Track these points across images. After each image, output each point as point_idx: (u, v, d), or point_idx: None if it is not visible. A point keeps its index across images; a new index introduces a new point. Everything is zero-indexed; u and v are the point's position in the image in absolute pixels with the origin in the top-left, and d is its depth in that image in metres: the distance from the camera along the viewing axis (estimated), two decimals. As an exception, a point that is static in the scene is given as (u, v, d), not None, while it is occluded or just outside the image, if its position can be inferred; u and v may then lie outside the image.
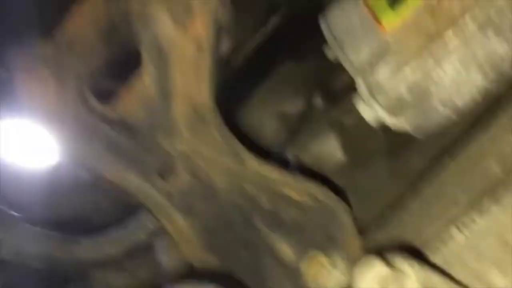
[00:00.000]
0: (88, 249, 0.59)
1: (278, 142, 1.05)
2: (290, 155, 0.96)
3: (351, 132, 0.89)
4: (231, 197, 0.61)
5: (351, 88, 0.96)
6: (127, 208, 0.80)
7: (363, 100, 0.56)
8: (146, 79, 0.57)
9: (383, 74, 0.54)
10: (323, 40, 0.97)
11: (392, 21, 0.53)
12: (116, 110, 0.59)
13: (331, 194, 0.59)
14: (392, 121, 0.57)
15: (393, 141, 0.80)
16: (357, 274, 0.46)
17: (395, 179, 0.74)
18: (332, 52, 0.60)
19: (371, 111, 0.56)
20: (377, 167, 0.78)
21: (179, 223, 0.61)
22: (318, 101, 1.01)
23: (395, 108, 0.55)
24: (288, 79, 1.04)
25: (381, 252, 0.47)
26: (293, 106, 1.05)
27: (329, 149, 0.91)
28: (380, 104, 0.55)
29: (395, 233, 0.61)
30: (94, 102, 0.60)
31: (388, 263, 0.46)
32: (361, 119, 0.90)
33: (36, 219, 0.64)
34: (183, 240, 0.62)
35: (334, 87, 0.99)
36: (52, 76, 0.58)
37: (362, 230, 0.60)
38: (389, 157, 0.78)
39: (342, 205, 0.58)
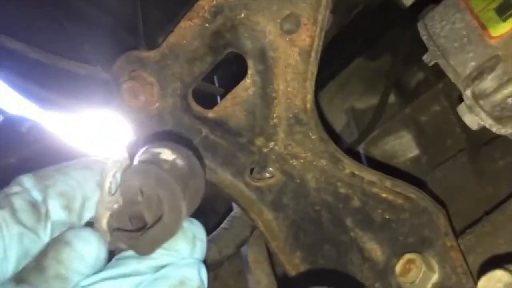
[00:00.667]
0: (212, 250, 0.61)
1: (348, 137, 1.06)
2: (360, 150, 0.97)
3: (427, 129, 0.89)
4: (323, 196, 0.63)
5: (426, 85, 0.96)
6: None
7: (468, 107, 0.57)
8: (249, 85, 0.59)
9: (490, 83, 0.55)
10: (399, 37, 0.97)
11: (500, 30, 0.53)
12: (217, 114, 0.62)
13: (425, 196, 0.60)
14: (498, 129, 0.57)
15: (474, 139, 0.80)
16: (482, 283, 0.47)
17: (480, 178, 0.74)
18: (431, 58, 0.61)
19: (475, 118, 0.57)
20: (459, 165, 0.78)
21: (268, 218, 0.64)
22: (392, 98, 1.01)
23: (501, 116, 0.56)
24: (361, 74, 1.04)
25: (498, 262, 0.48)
26: (365, 101, 1.06)
27: (402, 145, 0.92)
28: (485, 112, 0.56)
29: (487, 236, 0.61)
30: (196, 106, 0.63)
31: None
32: (437, 116, 0.90)
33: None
34: (271, 236, 0.65)
35: (409, 84, 0.99)
36: (156, 81, 0.61)
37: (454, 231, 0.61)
38: (471, 155, 0.78)
39: (437, 206, 0.59)
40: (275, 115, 0.61)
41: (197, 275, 0.48)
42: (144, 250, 0.47)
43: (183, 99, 0.63)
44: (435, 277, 0.58)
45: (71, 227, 0.49)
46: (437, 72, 0.91)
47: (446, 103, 0.87)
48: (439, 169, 0.81)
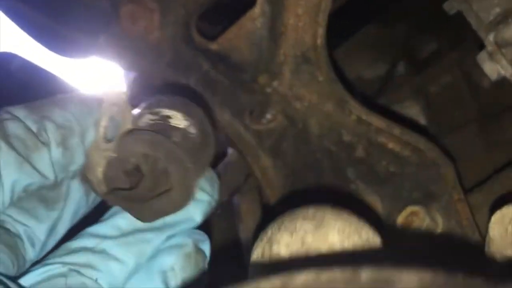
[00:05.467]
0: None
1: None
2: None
3: (436, 100, 0.87)
4: (325, 144, 0.60)
5: (438, 56, 0.94)
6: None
7: (488, 54, 0.55)
8: (258, 15, 0.57)
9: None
10: (412, 5, 0.94)
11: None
12: (220, 46, 0.59)
13: (435, 147, 0.57)
14: None
15: (484, 110, 0.78)
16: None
17: (489, 148, 0.73)
18: (452, 5, 0.59)
19: (495, 67, 0.55)
20: (468, 135, 0.77)
21: (265, 165, 0.61)
22: (401, 68, 0.99)
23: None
24: (370, 42, 1.02)
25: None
26: (373, 71, 1.04)
27: (410, 115, 0.90)
28: (507, 60, 0.53)
29: (495, 195, 0.59)
30: (198, 38, 0.60)
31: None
32: (448, 87, 0.88)
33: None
34: (267, 184, 0.62)
35: (420, 54, 0.97)
36: (158, 7, 0.59)
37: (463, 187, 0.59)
38: (481, 126, 0.76)
39: (447, 160, 0.57)
40: (282, 51, 0.58)
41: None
42: (146, 218, 0.44)
43: (185, 28, 0.60)
44: (438, 230, 0.56)
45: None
46: (450, 42, 0.89)
47: (459, 74, 0.85)
48: (447, 139, 0.79)
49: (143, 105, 0.47)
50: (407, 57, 0.95)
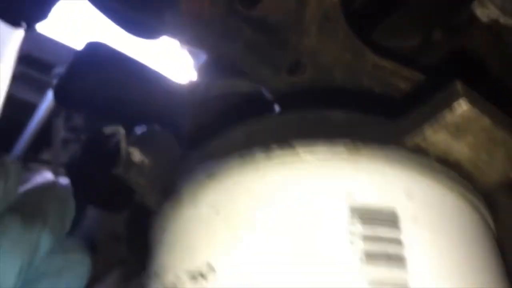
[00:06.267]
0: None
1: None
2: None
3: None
4: (347, 92, 0.71)
5: (472, 22, 1.01)
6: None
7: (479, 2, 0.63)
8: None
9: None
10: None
11: None
12: (259, 11, 0.73)
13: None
14: (506, 21, 0.64)
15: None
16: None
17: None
18: None
19: (485, 10, 0.63)
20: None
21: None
22: (438, 35, 1.07)
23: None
24: (405, 12, 1.10)
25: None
26: (409, 40, 1.12)
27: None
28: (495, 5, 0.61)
29: None
30: (238, 6, 0.74)
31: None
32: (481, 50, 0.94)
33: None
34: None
35: (455, 22, 1.04)
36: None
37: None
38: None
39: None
40: (308, 12, 0.70)
41: None
42: None
43: (230, 1, 0.74)
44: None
45: None
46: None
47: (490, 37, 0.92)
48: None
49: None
50: (442, 25, 1.02)
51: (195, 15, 0.76)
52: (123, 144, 0.60)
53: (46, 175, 1.70)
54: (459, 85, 0.36)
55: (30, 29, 0.92)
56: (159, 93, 0.81)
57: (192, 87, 0.81)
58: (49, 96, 1.94)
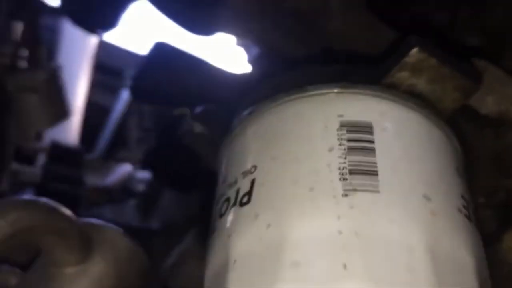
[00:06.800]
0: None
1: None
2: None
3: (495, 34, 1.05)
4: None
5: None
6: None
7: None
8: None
9: None
10: None
11: None
12: (290, 3, 0.91)
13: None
14: None
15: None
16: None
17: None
18: None
19: None
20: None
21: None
22: (465, 12, 1.19)
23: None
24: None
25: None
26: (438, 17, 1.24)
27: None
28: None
29: None
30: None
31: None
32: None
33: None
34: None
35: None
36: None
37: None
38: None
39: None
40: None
41: None
42: None
43: None
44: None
45: None
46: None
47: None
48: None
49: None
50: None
51: (241, 10, 0.95)
52: (188, 119, 0.80)
53: (125, 168, 1.95)
54: (413, 39, 0.54)
55: (102, 35, 1.11)
56: (217, 83, 0.95)
57: (246, 77, 0.95)
58: (122, 99, 2.18)
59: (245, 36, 1.03)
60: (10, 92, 1.05)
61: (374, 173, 0.48)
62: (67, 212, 0.63)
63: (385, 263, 0.41)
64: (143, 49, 0.99)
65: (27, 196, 0.68)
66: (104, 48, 2.15)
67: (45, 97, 1.01)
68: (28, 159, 1.52)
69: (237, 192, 0.51)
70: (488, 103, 0.62)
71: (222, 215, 0.53)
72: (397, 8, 0.88)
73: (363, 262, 0.41)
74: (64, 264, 0.63)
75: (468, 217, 0.51)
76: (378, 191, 0.47)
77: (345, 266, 0.40)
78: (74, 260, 0.63)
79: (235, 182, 0.53)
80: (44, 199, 0.62)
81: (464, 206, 0.51)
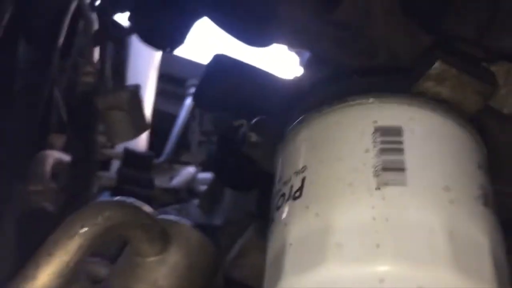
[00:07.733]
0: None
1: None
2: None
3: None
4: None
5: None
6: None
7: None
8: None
9: None
10: None
11: None
12: (338, 15, 1.00)
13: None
14: None
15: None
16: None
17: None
18: None
19: None
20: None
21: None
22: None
23: None
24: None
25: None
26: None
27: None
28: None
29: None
30: (323, 12, 1.01)
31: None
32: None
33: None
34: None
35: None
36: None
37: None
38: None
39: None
40: (373, 8, 0.97)
41: None
42: None
43: (317, 10, 1.01)
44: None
45: None
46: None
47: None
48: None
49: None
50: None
51: (292, 23, 1.05)
52: (246, 130, 0.91)
53: (189, 170, 2.09)
54: (437, 52, 0.63)
55: (171, 52, 1.22)
56: (271, 90, 0.94)
57: (298, 81, 0.97)
58: (185, 106, 2.31)
59: (296, 46, 1.13)
60: (99, 110, 1.21)
61: (403, 170, 0.59)
62: (149, 209, 0.75)
63: (411, 243, 0.51)
64: (205, 59, 1.09)
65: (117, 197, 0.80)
66: (169, 59, 2.29)
67: (129, 113, 1.14)
68: (104, 165, 1.69)
69: (291, 188, 0.63)
70: (510, 103, 0.70)
71: (279, 207, 0.64)
72: (433, 14, 0.96)
73: (393, 242, 0.51)
74: (147, 254, 0.75)
75: (485, 204, 0.60)
76: (405, 185, 0.58)
77: (378, 246, 0.51)
78: (154, 251, 0.74)
79: (289, 180, 0.65)
80: (130, 199, 0.74)
81: (482, 195, 0.60)
